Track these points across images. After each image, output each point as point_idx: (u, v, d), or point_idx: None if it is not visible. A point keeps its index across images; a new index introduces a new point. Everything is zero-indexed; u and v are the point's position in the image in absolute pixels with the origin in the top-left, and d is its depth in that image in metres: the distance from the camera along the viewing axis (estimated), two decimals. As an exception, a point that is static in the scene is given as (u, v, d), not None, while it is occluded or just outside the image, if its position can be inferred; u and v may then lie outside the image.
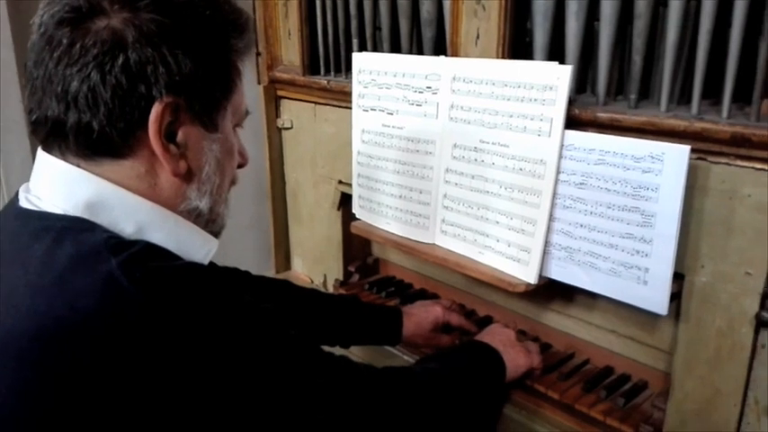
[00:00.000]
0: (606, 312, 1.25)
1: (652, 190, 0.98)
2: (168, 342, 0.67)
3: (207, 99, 0.79)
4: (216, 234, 0.89)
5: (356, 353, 1.44)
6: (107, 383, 0.65)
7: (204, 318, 0.70)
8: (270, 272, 1.85)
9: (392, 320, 1.35)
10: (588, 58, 1.17)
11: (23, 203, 0.80)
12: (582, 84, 1.21)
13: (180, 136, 0.78)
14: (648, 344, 1.20)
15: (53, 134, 0.76)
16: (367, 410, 0.86)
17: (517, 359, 1.17)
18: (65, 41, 0.72)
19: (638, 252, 1.02)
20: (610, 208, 1.04)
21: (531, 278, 1.15)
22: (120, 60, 0.71)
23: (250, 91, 1.67)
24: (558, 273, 1.14)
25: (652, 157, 0.98)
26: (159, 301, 0.67)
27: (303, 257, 1.82)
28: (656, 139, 0.99)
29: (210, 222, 0.86)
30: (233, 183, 0.91)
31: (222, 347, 0.70)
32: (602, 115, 1.07)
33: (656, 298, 1.01)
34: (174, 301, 0.68)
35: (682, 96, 1.09)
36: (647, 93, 1.12)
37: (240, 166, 0.91)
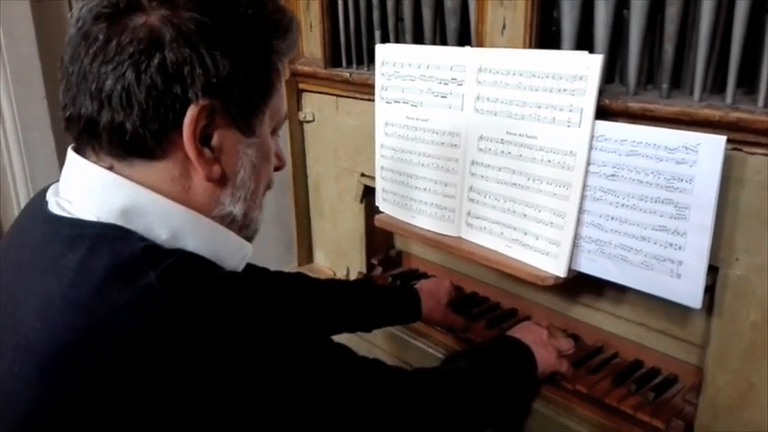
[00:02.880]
0: (636, 306, 1.23)
1: (686, 181, 0.96)
2: (207, 355, 0.66)
3: (244, 102, 0.76)
4: (249, 239, 0.86)
5: (376, 342, 1.44)
6: (145, 396, 0.64)
7: (243, 331, 0.69)
8: (292, 265, 1.85)
9: (410, 298, 1.35)
10: (617, 46, 1.15)
11: (53, 208, 0.77)
12: (610, 73, 1.19)
13: (215, 140, 0.75)
14: (679, 337, 1.19)
15: (86, 132, 0.74)
16: (398, 414, 0.86)
17: (547, 358, 1.16)
18: (101, 37, 0.70)
19: (671, 245, 1.00)
20: (642, 200, 1.02)
21: (561, 271, 1.14)
22: (157, 60, 0.69)
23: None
24: (587, 266, 1.12)
25: (686, 148, 0.95)
26: (199, 315, 0.66)
27: (325, 251, 1.82)
28: (690, 130, 0.97)
29: (244, 228, 0.84)
30: (268, 187, 0.88)
31: (259, 359, 0.69)
32: (634, 105, 1.05)
33: (689, 291, 1.00)
34: (213, 314, 0.67)
35: (714, 85, 1.06)
36: (678, 82, 1.10)
37: (277, 168, 0.88)
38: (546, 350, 1.16)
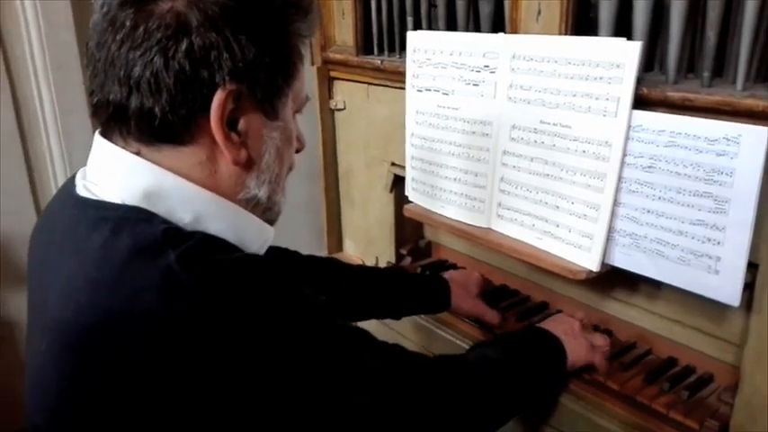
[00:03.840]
0: (671, 302, 1.20)
1: (727, 174, 0.93)
2: (224, 336, 0.66)
3: (269, 86, 0.77)
4: (272, 222, 0.88)
5: (402, 332, 1.43)
6: (163, 377, 0.65)
7: (261, 313, 0.69)
8: (322, 252, 1.85)
9: (439, 287, 1.34)
10: (657, 33, 1.11)
11: (81, 191, 0.79)
12: (650, 61, 1.15)
13: (241, 124, 0.76)
14: (716, 335, 1.15)
15: (114, 118, 0.75)
16: (421, 403, 0.85)
17: (578, 350, 1.13)
18: (128, 24, 0.70)
19: (709, 240, 0.96)
20: (680, 193, 0.99)
21: (594, 265, 1.11)
22: (185, 45, 0.69)
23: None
24: (621, 260, 1.09)
25: (727, 140, 0.92)
26: (217, 296, 0.67)
27: (355, 240, 1.81)
28: (732, 120, 0.93)
29: (267, 210, 0.85)
30: (290, 169, 0.89)
31: (277, 342, 0.69)
32: (673, 94, 1.01)
33: (727, 288, 0.96)
34: (232, 296, 0.67)
35: (758, 74, 1.02)
36: (720, 71, 1.06)
37: (297, 150, 0.89)
38: (577, 342, 1.14)
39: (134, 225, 0.71)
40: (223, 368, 0.66)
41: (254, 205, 0.82)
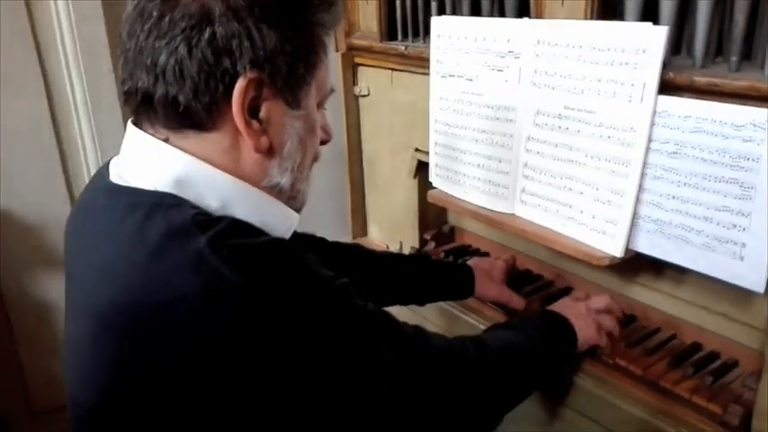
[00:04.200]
0: (696, 287, 1.19)
1: (753, 160, 0.92)
2: (255, 318, 0.68)
3: (291, 75, 0.78)
4: (297, 210, 0.89)
5: (427, 316, 1.45)
6: (197, 359, 0.67)
7: (287, 294, 0.71)
8: (347, 238, 1.87)
9: (464, 275, 1.35)
10: (684, 16, 1.10)
11: (114, 179, 0.82)
12: (677, 44, 1.14)
13: (263, 112, 0.77)
14: (741, 321, 1.14)
15: (143, 105, 0.77)
16: (439, 389, 0.86)
17: (587, 331, 1.14)
18: (155, 14, 0.73)
19: (734, 226, 0.96)
20: (705, 179, 0.98)
21: (617, 251, 1.11)
22: (207, 34, 0.71)
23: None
24: (646, 246, 1.09)
25: (754, 126, 0.91)
26: (246, 278, 0.68)
27: (379, 225, 1.83)
28: (760, 106, 0.92)
29: (291, 199, 0.86)
30: (315, 159, 0.90)
31: (304, 323, 0.71)
32: (700, 79, 1.00)
33: (752, 275, 0.96)
34: (260, 277, 0.69)
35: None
36: (749, 54, 1.04)
37: (323, 142, 0.90)
38: (586, 323, 1.15)
39: (166, 210, 0.74)
40: (248, 349, 0.68)
41: (277, 192, 0.84)
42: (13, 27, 1.93)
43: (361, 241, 1.85)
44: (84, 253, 0.83)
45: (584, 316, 1.16)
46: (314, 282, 0.75)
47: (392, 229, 1.77)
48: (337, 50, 1.69)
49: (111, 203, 0.80)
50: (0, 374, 2.11)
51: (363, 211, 1.86)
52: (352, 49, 1.68)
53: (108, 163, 0.87)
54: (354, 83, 1.72)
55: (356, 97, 1.73)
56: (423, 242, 1.69)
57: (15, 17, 1.93)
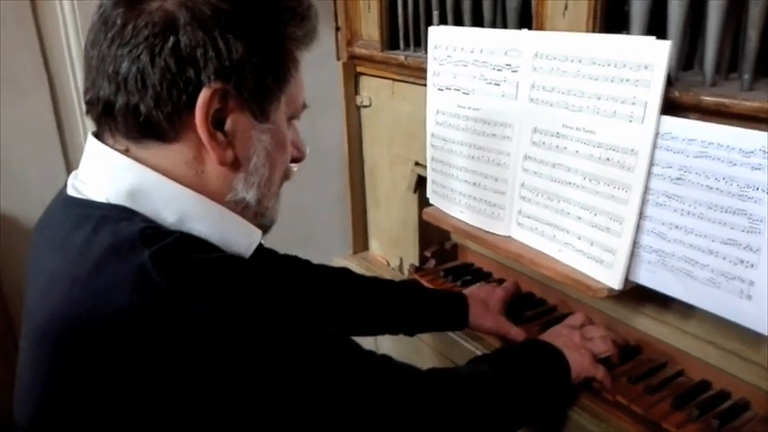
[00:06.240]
0: (705, 322, 1.10)
1: (762, 190, 0.84)
2: (192, 337, 0.65)
3: (258, 87, 0.76)
4: (265, 229, 0.86)
5: (423, 338, 1.38)
6: (132, 376, 0.65)
7: (229, 313, 0.67)
8: (348, 252, 1.82)
9: (456, 305, 1.28)
10: (697, 29, 1.01)
11: (70, 190, 0.80)
12: (689, 60, 1.05)
13: (228, 124, 0.76)
14: (753, 360, 1.05)
15: (104, 115, 0.76)
16: (404, 415, 0.81)
17: (581, 362, 1.07)
18: (118, 22, 0.72)
19: (741, 261, 0.87)
20: (711, 208, 0.90)
21: (615, 283, 1.03)
22: (171, 43, 0.70)
23: (330, 68, 1.63)
24: (646, 278, 1.01)
25: (764, 152, 0.83)
26: (187, 294, 0.66)
27: (380, 240, 1.77)
28: (771, 130, 0.84)
29: (259, 215, 0.84)
30: (286, 177, 0.88)
31: (242, 344, 0.68)
32: (708, 99, 0.92)
33: (759, 315, 0.87)
34: (202, 294, 0.67)
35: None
36: (765, 71, 0.96)
37: (295, 160, 0.88)
38: (579, 353, 1.08)
39: (116, 223, 0.72)
40: (183, 368, 0.65)
41: (243, 208, 0.82)
42: (18, 29, 1.93)
43: (363, 256, 1.80)
44: (37, 267, 0.81)
45: (578, 345, 1.10)
46: (259, 302, 0.71)
47: (392, 245, 1.71)
48: (338, 59, 1.64)
49: (63, 216, 0.79)
50: (0, 376, 2.10)
51: (364, 226, 1.80)
52: (354, 57, 1.62)
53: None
54: (356, 93, 1.67)
55: (358, 108, 1.68)
56: (423, 259, 1.62)
57: (21, 19, 1.93)
